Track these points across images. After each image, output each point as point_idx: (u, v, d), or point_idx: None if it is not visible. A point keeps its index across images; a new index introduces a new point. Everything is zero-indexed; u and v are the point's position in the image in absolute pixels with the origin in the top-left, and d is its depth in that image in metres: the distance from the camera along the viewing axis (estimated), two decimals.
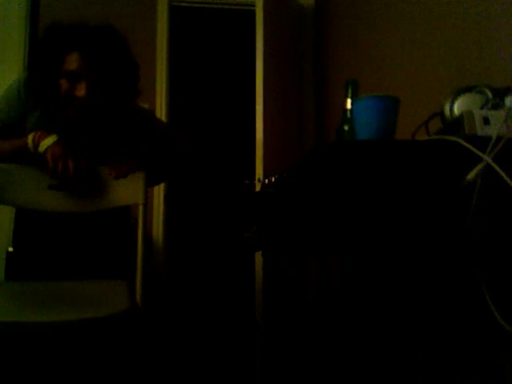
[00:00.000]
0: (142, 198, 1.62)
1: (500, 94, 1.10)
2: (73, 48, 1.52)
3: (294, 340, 2.56)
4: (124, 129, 1.71)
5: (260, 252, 2.33)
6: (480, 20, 1.55)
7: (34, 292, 1.49)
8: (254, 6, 2.72)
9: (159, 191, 3.07)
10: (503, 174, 0.86)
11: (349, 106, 1.26)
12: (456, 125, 1.02)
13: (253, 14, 2.71)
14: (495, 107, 1.06)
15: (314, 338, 2.44)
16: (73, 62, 1.52)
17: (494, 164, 0.87)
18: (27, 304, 1.38)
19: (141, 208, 1.61)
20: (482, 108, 1.06)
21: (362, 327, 0.94)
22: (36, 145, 1.52)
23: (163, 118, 3.10)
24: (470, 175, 0.88)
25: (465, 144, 0.90)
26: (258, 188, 2.47)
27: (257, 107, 2.59)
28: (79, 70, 1.52)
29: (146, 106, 2.82)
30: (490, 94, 1.10)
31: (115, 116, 1.68)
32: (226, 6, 3.43)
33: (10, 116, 1.63)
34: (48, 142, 1.52)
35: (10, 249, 2.06)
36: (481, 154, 0.89)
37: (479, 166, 0.88)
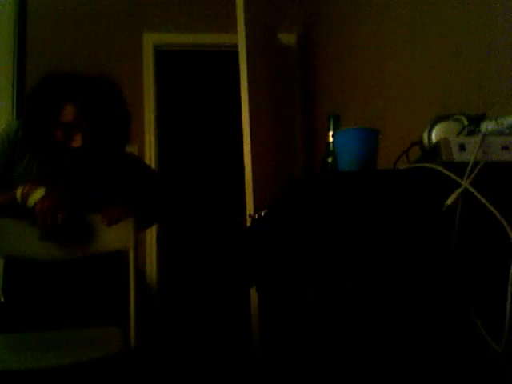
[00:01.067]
0: (132, 243, 1.63)
1: (476, 120, 1.14)
2: (69, 100, 1.55)
3: (291, 353, 2.53)
4: (115, 174, 1.74)
5: (254, 287, 2.33)
6: (459, 51, 1.62)
7: (26, 342, 1.49)
8: (236, 47, 2.80)
9: (151, 231, 3.08)
10: (481, 198, 0.89)
11: (331, 138, 1.30)
12: (434, 152, 1.05)
13: (236, 54, 2.78)
14: (471, 133, 1.10)
15: (311, 347, 2.41)
16: (69, 114, 1.55)
17: (471, 188, 0.90)
18: (19, 353, 1.37)
19: (131, 252, 1.62)
20: (458, 135, 1.10)
21: (355, 343, 0.95)
22: (25, 199, 1.53)
23: (152, 159, 3.14)
24: (450, 200, 0.91)
25: (443, 170, 0.93)
26: (248, 223, 2.48)
27: (244, 144, 2.63)
28: (75, 122, 1.55)
29: (135, 148, 2.85)
30: (465, 121, 1.14)
31: (107, 163, 1.71)
32: (210, 49, 3.52)
33: None
34: (36, 196, 1.53)
35: (1, 298, 2.04)
36: (459, 179, 0.92)
37: (458, 191, 0.91)
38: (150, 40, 3.36)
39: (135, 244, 1.63)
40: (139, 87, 3.24)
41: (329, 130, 1.33)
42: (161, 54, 3.40)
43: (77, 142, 1.56)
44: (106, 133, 1.61)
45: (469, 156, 0.97)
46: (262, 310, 2.45)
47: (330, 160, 1.29)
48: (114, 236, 1.64)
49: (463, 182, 0.92)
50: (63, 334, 1.54)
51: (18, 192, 1.54)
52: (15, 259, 1.68)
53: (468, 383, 0.88)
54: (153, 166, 3.06)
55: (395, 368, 0.90)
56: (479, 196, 0.90)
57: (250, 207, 2.53)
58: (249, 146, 2.62)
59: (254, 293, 2.48)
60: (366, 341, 0.91)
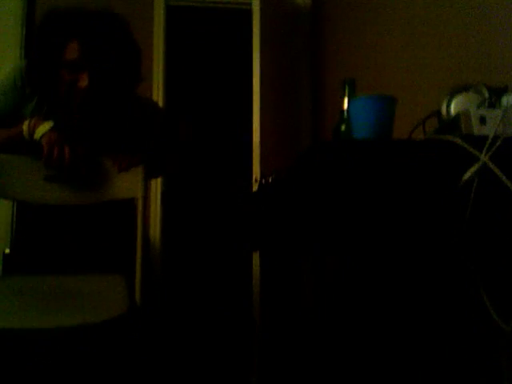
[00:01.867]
0: (142, 192, 1.57)
1: (497, 93, 1.10)
2: (72, 36, 1.46)
3: (291, 339, 2.56)
4: (126, 119, 1.67)
5: (257, 252, 2.33)
6: (478, 19, 1.56)
7: (30, 290, 1.45)
8: (250, 5, 2.72)
9: (156, 189, 3.07)
10: (500, 174, 0.86)
11: (346, 105, 1.26)
12: (453, 124, 1.02)
13: (249, 12, 2.71)
14: (492, 106, 1.06)
15: (311, 337, 2.44)
16: (73, 51, 1.46)
17: (490, 163, 0.87)
18: (23, 306, 1.33)
19: (140, 202, 1.56)
20: (478, 107, 1.06)
21: (358, 326, 0.94)
22: (31, 132, 1.47)
23: None
24: (467, 175, 0.88)
25: (461, 144, 0.90)
26: (254, 188, 2.47)
27: (253, 107, 2.59)
28: (80, 59, 1.46)
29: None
30: (486, 94, 1.11)
31: (117, 104, 1.63)
32: (222, 5, 3.42)
33: (6, 105, 1.59)
34: (44, 128, 1.47)
35: (7, 250, 2.05)
36: (477, 153, 0.89)
37: (476, 166, 0.88)
38: None
39: (144, 193, 1.58)
40: (149, 43, 3.16)
41: (343, 97, 1.28)
42: (172, 9, 3.31)
43: (83, 80, 1.47)
44: (114, 70, 1.52)
45: (489, 130, 0.94)
46: (264, 275, 2.46)
47: (343, 128, 1.25)
48: (123, 184, 1.58)
49: (482, 156, 0.89)
50: (68, 280, 1.51)
51: (25, 125, 1.48)
52: (25, 205, 1.64)
53: (476, 362, 0.87)
54: None
55: (403, 345, 0.89)
56: (498, 171, 0.87)
57: (256, 172, 2.51)
58: (258, 108, 2.58)
59: (256, 257, 2.49)
60: (377, 312, 0.90)
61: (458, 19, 1.66)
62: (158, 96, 3.13)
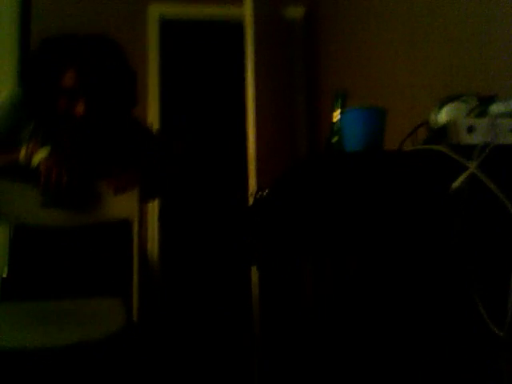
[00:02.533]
0: (137, 213, 1.59)
1: (485, 101, 1.12)
2: (69, 65, 1.49)
3: (292, 347, 2.55)
4: (121, 140, 1.69)
5: (255, 266, 2.33)
6: (468, 30, 1.58)
7: (29, 313, 1.47)
8: (243, 18, 2.75)
9: (154, 207, 3.07)
10: (488, 182, 0.87)
11: (337, 117, 1.28)
12: (442, 133, 1.03)
13: (242, 26, 2.73)
14: (480, 115, 1.07)
15: (312, 342, 2.43)
16: (70, 79, 1.48)
17: (478, 172, 0.88)
18: (23, 327, 1.35)
19: (136, 224, 1.58)
20: (466, 116, 1.08)
21: (357, 333, 0.94)
22: (28, 159, 1.49)
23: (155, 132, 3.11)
24: (456, 183, 0.89)
25: (450, 153, 0.91)
26: (250, 202, 2.47)
27: (248, 120, 2.61)
28: (77, 87, 1.48)
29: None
30: (474, 103, 1.12)
31: (113, 129, 1.65)
32: (215, 19, 3.46)
33: (3, 130, 1.60)
34: (41, 154, 1.49)
35: (4, 275, 2.04)
36: (466, 162, 0.90)
37: (464, 174, 0.89)
38: (156, 10, 3.30)
39: (139, 215, 1.59)
40: (143, 58, 3.19)
41: (336, 109, 1.30)
42: (166, 24, 3.34)
43: (80, 107, 1.49)
44: (110, 97, 1.54)
45: (477, 138, 0.96)
46: (263, 288, 2.46)
47: (334, 140, 1.26)
48: (118, 205, 1.60)
49: (470, 165, 0.90)
50: (66, 304, 1.52)
51: (22, 151, 1.49)
52: (22, 229, 1.65)
53: (469, 366, 0.87)
54: None
55: (399, 352, 0.90)
56: (486, 180, 0.88)
57: (252, 185, 2.52)
58: (253, 122, 2.59)
59: (254, 271, 2.49)
60: (373, 318, 0.90)
61: (448, 30, 1.68)
62: (154, 108, 3.15)
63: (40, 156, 1.48)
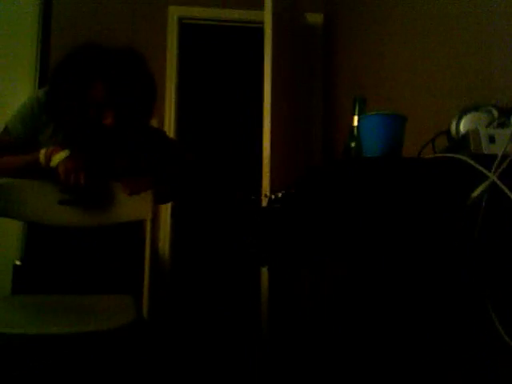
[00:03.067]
0: (150, 214, 1.64)
1: (506, 112, 1.12)
2: (97, 77, 1.53)
3: (299, 352, 2.55)
4: (139, 147, 1.74)
5: (266, 267, 2.33)
6: (489, 39, 1.57)
7: (40, 304, 1.51)
8: (262, 23, 2.76)
9: (166, 206, 3.09)
10: (508, 192, 0.87)
11: (356, 123, 1.28)
12: (462, 143, 1.03)
13: (261, 31, 2.74)
14: (501, 126, 1.07)
15: (318, 347, 2.43)
16: (98, 92, 1.53)
17: (499, 182, 0.88)
18: (34, 316, 1.40)
19: (148, 224, 1.63)
20: (487, 126, 1.07)
21: (365, 335, 0.94)
22: (48, 159, 1.53)
23: (171, 133, 3.13)
24: (476, 192, 0.89)
25: (471, 162, 0.91)
26: (264, 203, 2.48)
27: (264, 123, 2.61)
28: (105, 99, 1.53)
29: (155, 122, 2.85)
30: (496, 113, 1.12)
31: (133, 135, 1.71)
32: (234, 24, 3.48)
33: (24, 132, 1.65)
34: (60, 156, 1.53)
35: (18, 262, 2.08)
36: (486, 171, 0.90)
37: (484, 184, 0.89)
38: (175, 13, 3.32)
39: (153, 215, 1.64)
40: (162, 60, 3.21)
41: (354, 114, 1.30)
42: (185, 27, 3.37)
43: (108, 118, 1.54)
44: (137, 108, 1.60)
45: (498, 149, 0.95)
46: (272, 289, 2.46)
47: (353, 145, 1.27)
48: (133, 206, 1.65)
49: (490, 175, 0.90)
50: (77, 298, 1.56)
51: (42, 152, 1.54)
52: (37, 223, 1.69)
53: (481, 377, 0.87)
54: None
55: (407, 357, 0.90)
56: (506, 190, 0.88)
57: (265, 187, 2.52)
58: (269, 125, 2.60)
59: (264, 271, 2.49)
60: (382, 325, 0.90)
61: (469, 40, 1.68)
62: (171, 110, 3.17)
63: (59, 157, 1.52)
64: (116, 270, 1.73)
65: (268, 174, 2.54)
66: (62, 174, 1.51)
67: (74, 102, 1.55)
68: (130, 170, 1.71)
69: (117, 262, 1.74)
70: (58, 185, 1.54)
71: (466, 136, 1.00)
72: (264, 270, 2.43)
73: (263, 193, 2.51)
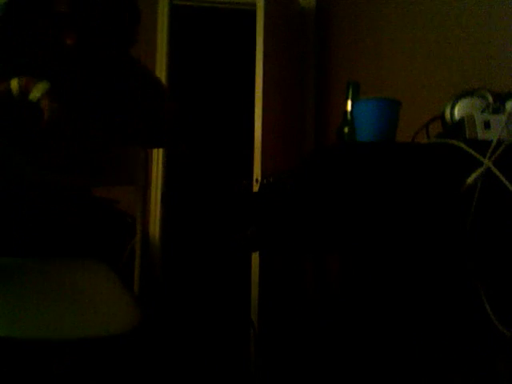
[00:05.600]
0: (143, 181, 1.41)
1: (501, 98, 1.10)
2: None
3: (290, 339, 2.56)
4: (118, 81, 1.47)
5: (257, 252, 2.33)
6: (483, 23, 1.56)
7: (27, 279, 1.25)
8: (254, 6, 2.72)
9: (157, 190, 3.06)
10: (503, 178, 0.86)
11: (349, 107, 1.26)
12: (457, 128, 1.02)
13: (253, 14, 2.70)
14: (496, 111, 1.06)
15: (311, 337, 2.44)
16: (60, 3, 1.26)
17: (494, 168, 0.87)
18: (28, 310, 1.13)
19: (140, 192, 1.40)
20: (482, 112, 1.06)
21: (359, 327, 0.93)
22: (24, 92, 1.22)
23: None
24: (470, 179, 0.88)
25: (466, 148, 0.90)
26: (255, 189, 2.46)
27: (256, 107, 2.59)
28: (70, 12, 1.26)
29: None
30: (490, 98, 1.11)
31: (107, 65, 1.44)
32: (226, 6, 3.43)
33: None
34: (41, 88, 1.23)
35: None
36: (481, 158, 0.89)
37: (479, 170, 0.88)
38: None
39: (144, 182, 1.41)
40: (153, 43, 3.16)
41: (347, 99, 1.28)
42: (176, 8, 3.31)
43: (71, 37, 1.26)
44: (108, 28, 1.33)
45: (493, 134, 0.94)
46: (263, 275, 2.46)
47: (346, 130, 1.25)
48: (123, 168, 1.41)
49: (485, 161, 0.89)
50: (59, 267, 1.33)
51: (14, 83, 1.22)
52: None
53: (476, 366, 0.87)
54: None
55: (403, 351, 0.89)
56: (501, 176, 0.87)
57: (257, 172, 2.51)
58: (260, 109, 2.58)
59: (255, 257, 2.49)
60: (376, 316, 0.90)
61: (463, 24, 1.66)
62: None
63: (41, 88, 1.23)
64: (81, 232, 1.49)
65: (259, 159, 2.53)
66: (47, 111, 1.22)
67: (32, 12, 1.27)
68: (110, 110, 1.43)
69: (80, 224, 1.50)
70: (40, 123, 1.23)
71: (460, 122, 0.99)
72: (255, 256, 2.43)
73: (254, 178, 2.50)
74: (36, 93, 1.21)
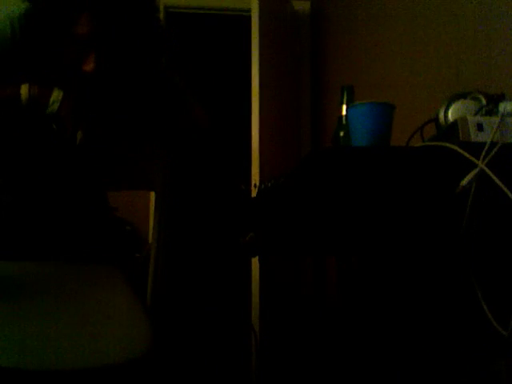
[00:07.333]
0: (160, 185, 1.35)
1: (494, 100, 1.11)
2: (84, 7, 1.15)
3: (291, 343, 2.56)
4: (137, 100, 1.38)
5: (257, 257, 2.33)
6: (476, 27, 1.57)
7: (33, 283, 1.17)
8: (249, 11, 2.73)
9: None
10: (497, 180, 0.87)
11: (344, 112, 1.27)
12: (450, 131, 1.03)
13: (249, 19, 2.72)
14: (489, 113, 1.07)
15: (311, 341, 2.44)
16: (82, 25, 1.15)
17: (487, 170, 0.88)
18: (31, 335, 1.03)
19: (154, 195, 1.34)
20: (475, 114, 1.07)
21: (359, 331, 0.94)
22: (38, 101, 1.15)
23: None
24: (464, 181, 0.89)
25: (459, 150, 0.91)
26: (254, 193, 2.47)
27: (252, 112, 2.60)
28: (89, 36, 1.15)
29: None
30: (483, 101, 1.12)
31: (131, 90, 1.32)
32: (221, 12, 3.44)
33: None
34: (56, 96, 1.16)
35: None
36: (475, 160, 0.90)
37: (473, 172, 0.89)
38: (161, 1, 3.28)
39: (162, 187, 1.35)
40: None
41: (342, 103, 1.29)
42: (171, 15, 3.33)
43: (89, 63, 1.16)
44: (130, 53, 1.22)
45: (486, 136, 0.95)
46: (263, 279, 2.46)
47: (341, 134, 1.26)
48: (140, 172, 1.35)
49: (479, 163, 0.90)
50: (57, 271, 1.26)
51: (24, 89, 1.14)
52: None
53: (474, 366, 0.88)
54: None
55: (402, 352, 0.90)
56: (494, 178, 0.88)
57: (255, 177, 2.52)
58: (257, 114, 2.59)
59: (255, 261, 2.50)
60: (375, 317, 0.90)
61: (457, 27, 1.67)
62: None
63: (55, 97, 1.16)
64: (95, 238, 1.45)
65: (257, 164, 2.53)
66: (68, 120, 1.15)
67: (55, 38, 1.18)
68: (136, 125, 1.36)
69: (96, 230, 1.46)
70: (63, 135, 1.16)
71: (454, 124, 1.00)
72: (255, 261, 2.43)
73: (252, 182, 2.51)
74: (54, 105, 1.16)
